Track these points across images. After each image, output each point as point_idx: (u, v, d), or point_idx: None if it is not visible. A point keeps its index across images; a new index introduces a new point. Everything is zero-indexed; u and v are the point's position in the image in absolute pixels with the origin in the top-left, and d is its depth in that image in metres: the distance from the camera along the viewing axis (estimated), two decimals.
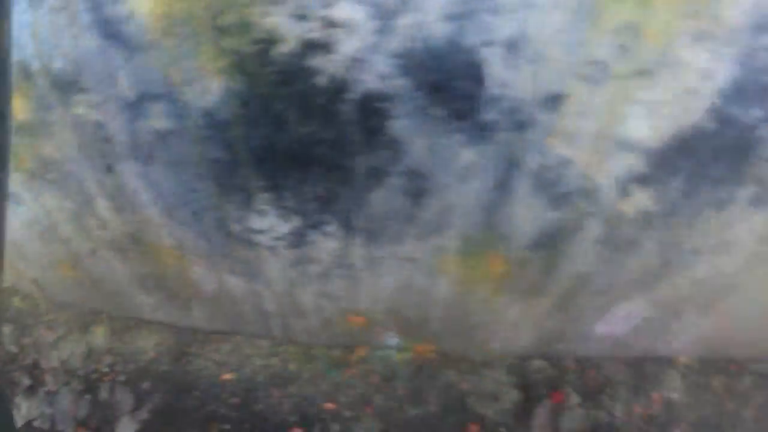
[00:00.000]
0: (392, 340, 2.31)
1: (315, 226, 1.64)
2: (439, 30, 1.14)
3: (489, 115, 1.30)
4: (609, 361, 2.57)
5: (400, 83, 1.22)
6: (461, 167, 1.44)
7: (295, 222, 1.62)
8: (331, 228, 1.65)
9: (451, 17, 1.11)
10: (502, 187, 1.50)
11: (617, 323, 2.26)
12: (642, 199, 1.50)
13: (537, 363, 2.51)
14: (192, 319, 2.43)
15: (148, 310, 2.44)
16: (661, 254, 1.75)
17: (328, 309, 2.09)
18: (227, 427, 2.31)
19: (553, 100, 1.27)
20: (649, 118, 1.30)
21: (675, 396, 2.57)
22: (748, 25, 1.11)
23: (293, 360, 2.41)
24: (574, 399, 2.40)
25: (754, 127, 1.30)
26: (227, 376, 2.50)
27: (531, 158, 1.41)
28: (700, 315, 2.27)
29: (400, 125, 1.32)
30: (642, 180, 1.45)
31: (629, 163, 1.41)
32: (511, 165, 1.44)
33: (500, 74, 1.21)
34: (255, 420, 2.35)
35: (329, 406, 2.29)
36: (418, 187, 1.50)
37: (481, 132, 1.33)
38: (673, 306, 2.17)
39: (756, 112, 1.25)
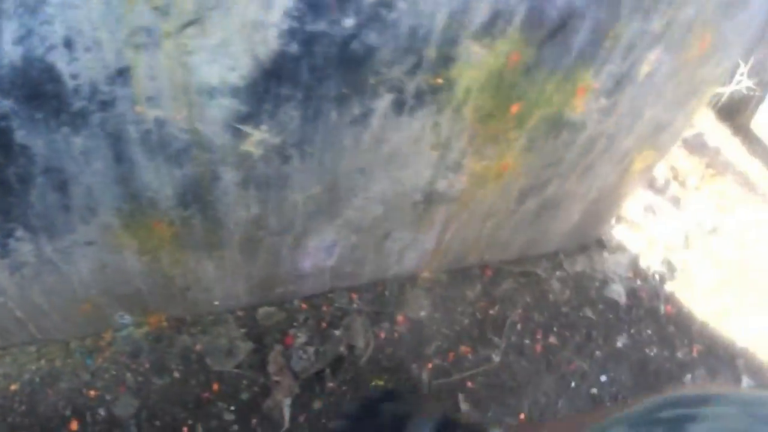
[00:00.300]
0: (124, 318, 2.30)
1: (9, 234, 1.67)
2: (15, 52, 1.21)
3: (78, 104, 1.35)
4: (343, 293, 2.63)
5: (7, 103, 1.29)
6: (80, 153, 1.48)
7: None
8: (20, 233, 1.68)
9: (18, 40, 1.19)
10: (121, 160, 1.52)
11: (319, 255, 2.30)
12: (261, 136, 1.56)
13: (264, 310, 2.53)
14: None
15: None
16: (321, 182, 1.84)
17: (59, 304, 2.07)
18: None
19: (121, 74, 1.31)
20: (216, 62, 1.32)
21: (422, 314, 2.67)
22: None
23: (57, 357, 2.38)
24: (302, 338, 2.42)
25: (353, 36, 1.37)
26: (13, 387, 2.41)
27: (131, 129, 1.44)
28: (409, 231, 2.37)
29: (21, 135, 1.38)
30: (248, 118, 1.49)
31: (225, 106, 1.44)
32: (118, 139, 1.47)
33: (69, 69, 1.27)
34: (41, 422, 2.31)
35: (92, 393, 2.30)
36: (59, 180, 1.54)
37: (79, 120, 1.39)
38: (371, 228, 2.24)
39: (346, 23, 1.32)
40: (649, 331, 2.79)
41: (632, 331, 2.77)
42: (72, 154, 1.47)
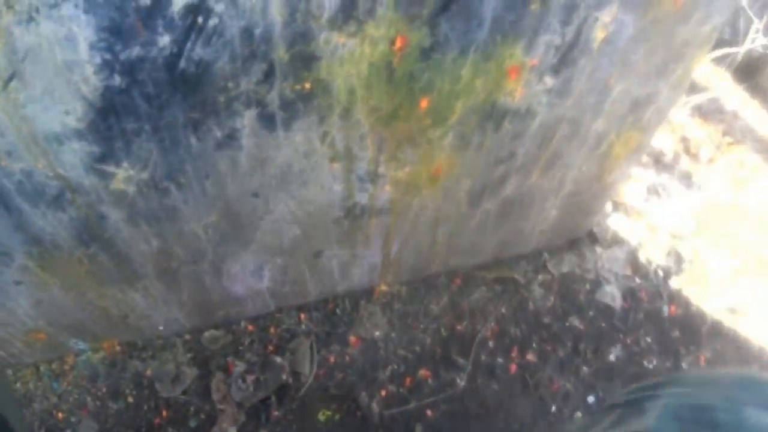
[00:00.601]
0: (79, 344, 2.21)
1: None
2: None
3: None
4: (291, 313, 2.24)
5: None
6: None
7: None
8: None
9: None
10: (10, 209, 1.40)
11: (248, 279, 1.97)
12: (126, 173, 1.38)
13: (210, 333, 2.23)
14: None
15: None
16: (213, 209, 1.59)
17: (16, 334, 2.03)
18: None
19: None
20: (49, 110, 1.16)
21: (377, 333, 2.25)
22: None
23: (30, 381, 2.30)
24: (241, 367, 2.07)
25: (176, 55, 1.11)
26: None
27: (5, 181, 1.31)
28: (342, 248, 1.94)
29: None
30: (105, 158, 1.32)
31: (77, 150, 1.28)
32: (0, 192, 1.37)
33: None
34: None
35: (60, 415, 2.23)
36: None
37: None
38: (294, 249, 1.86)
39: (161, 42, 1.08)
40: (649, 339, 2.26)
41: (628, 340, 2.25)
42: None
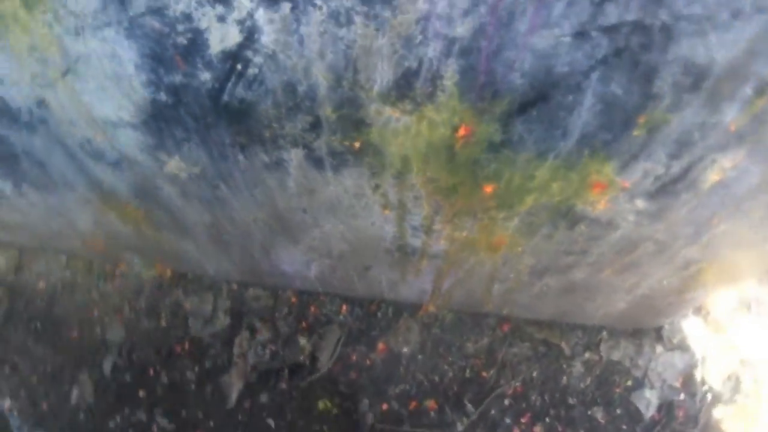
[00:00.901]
0: (135, 259, 2.32)
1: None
2: None
3: (25, 118, 1.39)
4: (335, 301, 2.24)
5: None
6: (40, 148, 1.58)
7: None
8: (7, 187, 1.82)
9: None
10: (73, 158, 1.52)
11: (296, 266, 1.97)
12: (178, 164, 1.41)
13: (255, 291, 2.27)
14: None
15: None
16: (262, 211, 1.59)
17: (71, 236, 2.16)
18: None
19: (41, 104, 1.31)
20: (104, 103, 1.22)
21: (405, 350, 2.20)
22: None
23: (80, 272, 2.51)
24: (266, 335, 2.12)
25: (218, 89, 1.09)
26: (41, 285, 2.65)
27: (69, 140, 1.43)
28: (392, 271, 1.87)
29: None
30: (157, 148, 1.35)
31: (131, 136, 1.33)
32: (63, 144, 1.47)
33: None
34: (52, 322, 2.52)
35: (95, 312, 2.41)
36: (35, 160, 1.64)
37: (29, 128, 1.45)
38: (343, 258, 1.85)
39: (202, 77, 1.06)
40: None
41: None
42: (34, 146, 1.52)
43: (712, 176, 1.13)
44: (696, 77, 0.86)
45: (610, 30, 0.80)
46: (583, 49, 0.84)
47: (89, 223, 1.96)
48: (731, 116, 0.94)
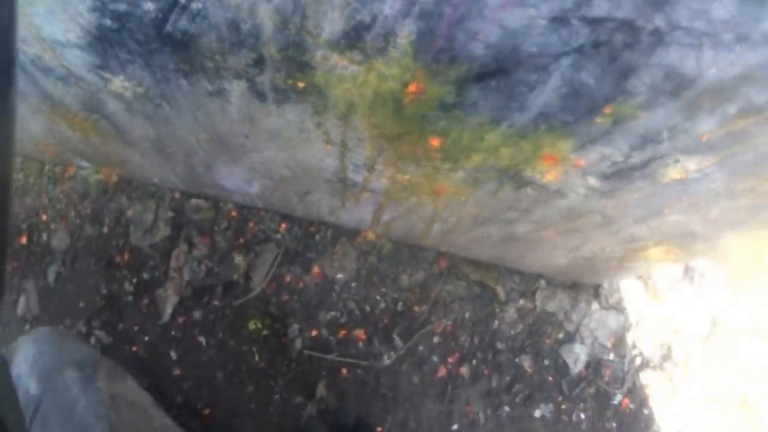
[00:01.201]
0: (82, 164, 2.26)
1: None
2: None
3: None
4: (275, 218, 2.19)
5: None
6: None
7: None
8: None
9: None
10: (26, 71, 1.46)
11: (238, 182, 1.91)
12: (122, 84, 1.34)
13: (196, 202, 2.20)
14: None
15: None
16: (205, 131, 1.50)
17: (25, 138, 2.11)
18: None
19: None
20: (52, 25, 1.14)
21: (340, 276, 2.19)
22: None
23: (31, 174, 2.40)
24: (202, 251, 2.07)
25: (162, 20, 0.99)
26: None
27: (23, 56, 1.36)
28: (331, 198, 1.81)
29: None
30: (102, 68, 1.27)
31: (78, 56, 1.25)
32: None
33: None
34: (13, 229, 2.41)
35: (44, 217, 2.34)
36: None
37: None
38: (283, 181, 1.79)
39: (145, 6, 0.97)
40: (583, 416, 2.13)
41: (563, 407, 2.12)
42: None
43: (673, 173, 1.06)
44: (677, 85, 0.76)
45: (593, 22, 0.69)
46: (558, 34, 0.72)
47: (41, 130, 1.91)
48: (706, 127, 0.85)
